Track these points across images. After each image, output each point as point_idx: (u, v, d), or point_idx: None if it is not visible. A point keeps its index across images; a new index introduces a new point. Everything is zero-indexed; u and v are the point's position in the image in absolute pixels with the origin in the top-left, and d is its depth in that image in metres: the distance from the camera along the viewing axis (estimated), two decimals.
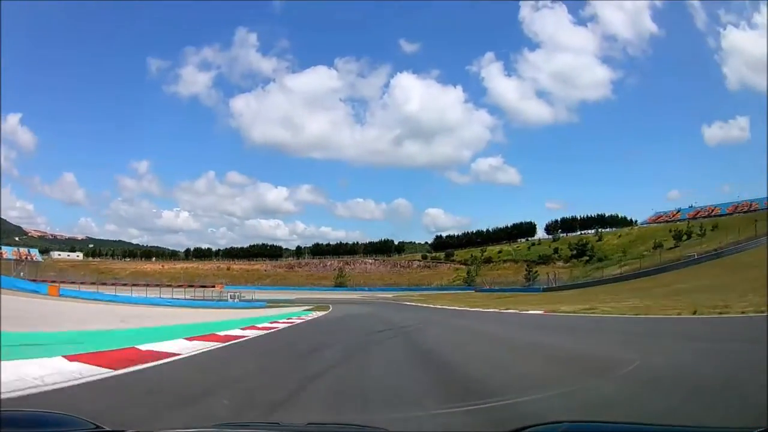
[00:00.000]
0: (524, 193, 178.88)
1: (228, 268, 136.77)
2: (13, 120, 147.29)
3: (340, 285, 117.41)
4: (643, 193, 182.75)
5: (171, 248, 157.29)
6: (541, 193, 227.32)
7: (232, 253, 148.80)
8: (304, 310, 38.33)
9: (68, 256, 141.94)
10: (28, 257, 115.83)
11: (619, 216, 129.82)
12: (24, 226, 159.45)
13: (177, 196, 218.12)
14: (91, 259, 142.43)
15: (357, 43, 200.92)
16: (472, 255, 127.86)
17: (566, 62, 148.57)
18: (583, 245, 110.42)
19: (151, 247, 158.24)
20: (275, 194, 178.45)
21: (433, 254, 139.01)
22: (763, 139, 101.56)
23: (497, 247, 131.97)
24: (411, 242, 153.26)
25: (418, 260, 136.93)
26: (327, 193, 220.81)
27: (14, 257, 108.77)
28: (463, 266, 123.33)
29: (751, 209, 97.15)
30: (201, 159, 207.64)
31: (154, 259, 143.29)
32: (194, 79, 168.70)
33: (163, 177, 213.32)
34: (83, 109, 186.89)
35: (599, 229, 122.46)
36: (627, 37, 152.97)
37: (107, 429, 2.58)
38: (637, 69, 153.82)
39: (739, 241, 55.30)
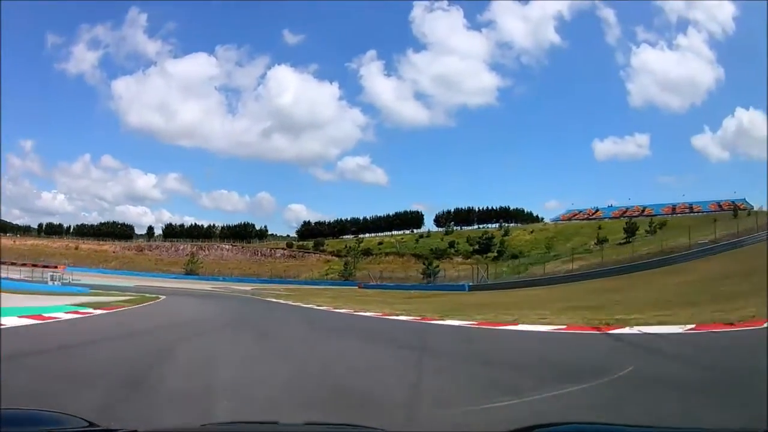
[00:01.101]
0: (390, 193, 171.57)
1: (76, 248, 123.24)
2: None
3: (191, 273, 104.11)
4: (521, 202, 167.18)
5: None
6: (408, 195, 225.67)
7: (82, 231, 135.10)
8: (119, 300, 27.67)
9: None
10: None
11: (525, 211, 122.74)
12: None
13: (56, 177, 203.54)
14: None
15: (241, 31, 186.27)
16: (346, 246, 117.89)
17: (452, 66, 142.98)
18: (488, 239, 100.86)
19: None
20: (144, 181, 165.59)
21: (300, 243, 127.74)
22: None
23: (377, 238, 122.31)
24: (273, 234, 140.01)
25: (283, 249, 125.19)
26: (193, 183, 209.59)
27: None
28: (336, 258, 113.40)
29: (693, 211, 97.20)
30: (80, 141, 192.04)
31: (9, 234, 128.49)
32: (83, 57, 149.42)
33: (45, 157, 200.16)
34: None
35: (504, 224, 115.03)
36: (524, 46, 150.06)
37: (101, 427, 2.64)
38: (529, 78, 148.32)
39: (739, 233, 49.36)
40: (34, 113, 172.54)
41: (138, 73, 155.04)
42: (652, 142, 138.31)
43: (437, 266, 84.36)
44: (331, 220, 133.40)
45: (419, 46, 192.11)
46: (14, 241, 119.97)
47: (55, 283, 45.97)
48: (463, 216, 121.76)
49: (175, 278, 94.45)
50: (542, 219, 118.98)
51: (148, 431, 3.21)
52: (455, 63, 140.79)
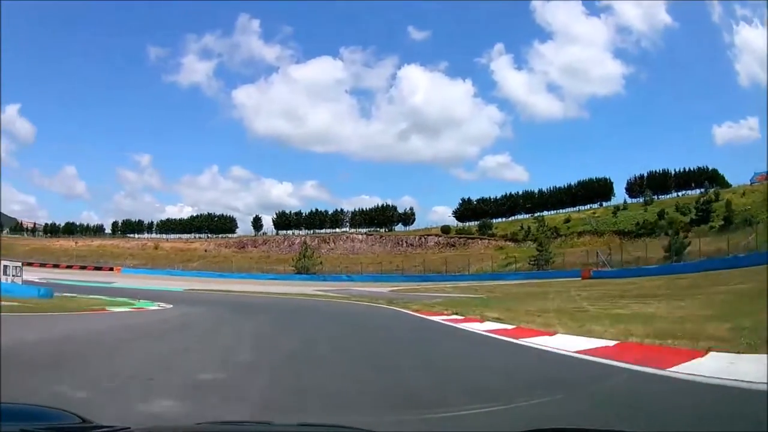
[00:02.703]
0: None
1: (155, 247, 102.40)
2: (12, 111, 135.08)
3: (302, 271, 72.93)
4: None
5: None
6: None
7: (168, 226, 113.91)
8: None
9: None
10: None
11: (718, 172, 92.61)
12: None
13: (180, 190, 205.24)
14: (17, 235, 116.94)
15: (363, 31, 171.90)
16: (522, 226, 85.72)
17: (578, 55, 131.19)
18: (706, 204, 73.46)
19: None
20: (280, 190, 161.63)
21: (460, 226, 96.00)
22: None
23: (559, 215, 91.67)
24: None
25: (437, 235, 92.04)
26: (330, 189, 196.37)
27: None
28: (511, 243, 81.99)
29: None
30: (204, 152, 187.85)
31: (71, 236, 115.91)
32: (195, 68, 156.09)
33: (165, 171, 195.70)
34: (83, 99, 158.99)
35: (711, 188, 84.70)
36: (641, 30, 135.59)
37: (94, 423, 2.62)
38: (649, 63, 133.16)
39: None
40: (148, 127, 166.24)
41: (260, 81, 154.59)
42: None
43: (686, 240, 56.90)
44: (498, 196, 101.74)
45: (544, 36, 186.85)
46: (75, 243, 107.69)
47: (7, 279, 32.55)
48: (659, 181, 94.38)
49: (280, 279, 67.59)
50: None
51: (141, 428, 2.81)
52: (581, 52, 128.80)
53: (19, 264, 35.63)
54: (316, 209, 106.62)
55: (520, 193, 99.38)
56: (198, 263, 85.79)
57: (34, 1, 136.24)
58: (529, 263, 63.55)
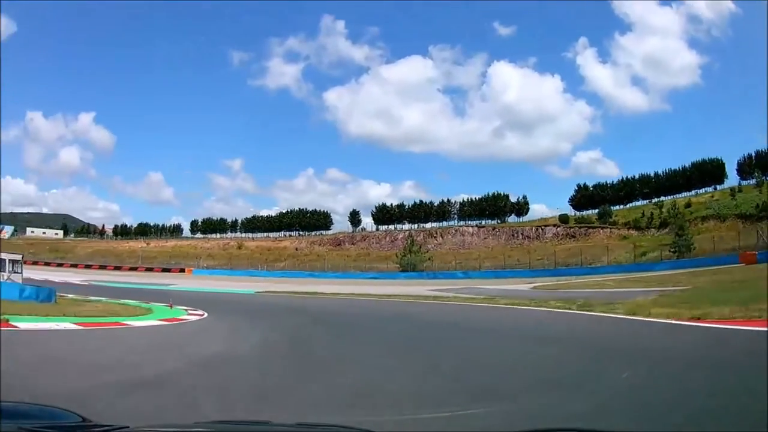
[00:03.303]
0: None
1: (239, 246, 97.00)
2: (85, 119, 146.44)
3: (408, 268, 64.75)
4: None
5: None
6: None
7: (255, 224, 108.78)
8: None
9: (44, 233, 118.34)
10: None
11: None
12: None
13: (275, 194, 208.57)
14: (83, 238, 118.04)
15: (449, 29, 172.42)
16: (644, 213, 77.22)
17: (657, 45, 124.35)
18: None
19: None
20: (378, 191, 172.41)
21: (577, 215, 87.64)
22: None
23: (680, 200, 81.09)
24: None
25: (555, 225, 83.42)
26: (428, 189, 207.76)
27: None
28: (634, 231, 73.36)
29: None
30: (298, 155, 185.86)
31: (144, 238, 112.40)
32: (282, 71, 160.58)
33: (259, 175, 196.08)
34: (166, 106, 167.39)
35: None
36: (710, 17, 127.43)
37: (92, 422, 2.61)
38: (721, 52, 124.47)
39: None
40: (237, 132, 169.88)
41: (350, 82, 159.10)
42: None
43: None
44: (614, 181, 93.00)
45: (624, 27, 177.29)
46: (147, 243, 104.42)
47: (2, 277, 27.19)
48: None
49: (379, 278, 59.61)
50: None
51: (139, 428, 2.76)
52: (659, 42, 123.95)
53: (19, 257, 29.97)
54: (420, 201, 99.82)
55: (637, 176, 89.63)
56: (286, 263, 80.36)
57: (115, 5, 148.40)
58: (669, 250, 55.96)
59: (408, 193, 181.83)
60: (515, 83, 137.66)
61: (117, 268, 75.11)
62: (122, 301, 26.10)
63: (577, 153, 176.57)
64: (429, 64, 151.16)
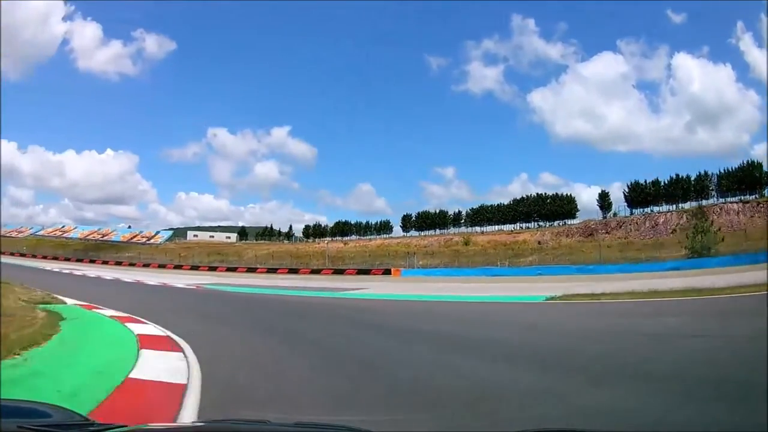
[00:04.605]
0: None
1: (466, 241, 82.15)
2: (279, 133, 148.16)
3: (702, 253, 44.47)
4: None
5: None
6: None
7: (483, 215, 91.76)
8: None
9: (211, 237, 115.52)
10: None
11: None
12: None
13: (490, 199, 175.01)
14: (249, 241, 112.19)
15: (628, 20, 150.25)
16: None
17: None
18: None
19: None
20: (589, 194, 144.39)
21: None
22: None
23: None
24: None
25: None
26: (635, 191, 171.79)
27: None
28: None
29: None
30: (509, 159, 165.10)
31: (346, 238, 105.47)
32: (483, 74, 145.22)
33: (473, 182, 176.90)
34: (367, 116, 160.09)
35: None
36: None
37: (91, 421, 2.66)
38: None
39: None
40: (447, 138, 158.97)
41: (551, 82, 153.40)
42: None
43: None
44: None
45: None
46: (344, 244, 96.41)
47: None
48: None
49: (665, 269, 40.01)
50: None
51: (139, 427, 2.93)
52: None
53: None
54: (676, 175, 77.50)
55: None
56: (533, 257, 60.85)
57: (303, 16, 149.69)
58: None
59: (618, 195, 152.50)
60: (696, 75, 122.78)
61: (292, 270, 60.92)
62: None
63: (754, 146, 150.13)
64: (620, 60, 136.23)
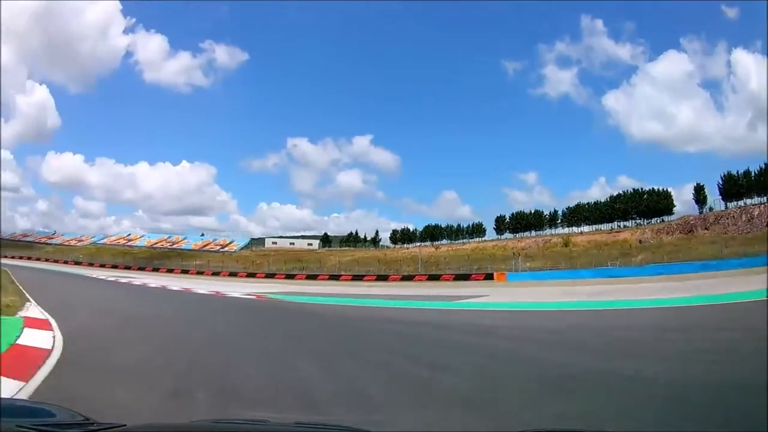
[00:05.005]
0: None
1: (565, 243, 78.20)
2: (361, 142, 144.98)
3: None
4: None
5: None
6: None
7: (579, 214, 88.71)
8: None
9: (291, 244, 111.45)
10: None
11: None
12: None
13: (570, 204, 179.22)
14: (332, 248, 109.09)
15: (688, 16, 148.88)
16: None
17: None
18: None
19: None
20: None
21: None
22: None
23: None
24: None
25: None
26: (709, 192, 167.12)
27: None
28: None
29: None
30: (588, 164, 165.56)
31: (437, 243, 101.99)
32: (559, 78, 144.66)
33: (554, 187, 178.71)
34: (447, 123, 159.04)
35: None
36: None
37: (90, 420, 2.63)
38: None
39: None
40: (528, 144, 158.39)
41: (623, 83, 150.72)
42: None
43: None
44: None
45: None
46: (436, 248, 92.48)
47: None
48: None
49: None
50: None
51: (137, 426, 2.83)
52: None
53: None
54: (766, 164, 70.67)
55: None
56: (642, 256, 56.37)
57: (380, 26, 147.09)
58: None
59: (689, 198, 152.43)
60: (753, 70, 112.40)
61: (381, 277, 57.90)
62: None
63: None
64: (684, 58, 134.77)
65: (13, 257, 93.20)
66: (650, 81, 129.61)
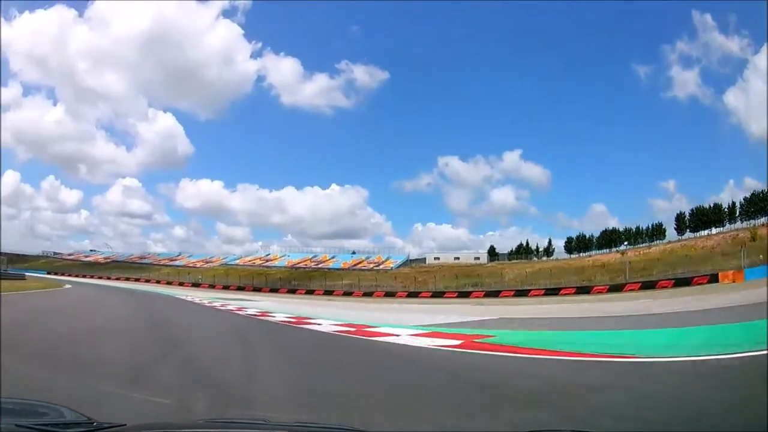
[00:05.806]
0: None
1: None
2: (511, 158, 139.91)
3: None
4: None
5: None
6: None
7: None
8: None
9: (456, 259, 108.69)
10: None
11: None
12: None
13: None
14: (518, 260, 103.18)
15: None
16: None
17: None
18: None
19: None
20: None
21: None
22: None
23: None
24: None
25: None
26: None
27: None
28: None
29: None
30: (718, 167, 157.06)
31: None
32: (684, 79, 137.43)
33: (690, 194, 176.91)
34: (596, 132, 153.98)
35: None
36: None
37: (89, 419, 2.63)
38: None
39: None
40: (671, 153, 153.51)
41: (738, 80, 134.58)
42: None
43: None
44: None
45: None
46: (621, 254, 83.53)
47: None
48: None
49: None
50: None
51: (137, 425, 2.88)
52: None
53: None
54: None
55: None
56: None
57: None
58: None
59: None
60: None
61: (521, 293, 54.40)
62: None
63: None
64: None
65: (84, 276, 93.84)
66: (759, 73, 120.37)
